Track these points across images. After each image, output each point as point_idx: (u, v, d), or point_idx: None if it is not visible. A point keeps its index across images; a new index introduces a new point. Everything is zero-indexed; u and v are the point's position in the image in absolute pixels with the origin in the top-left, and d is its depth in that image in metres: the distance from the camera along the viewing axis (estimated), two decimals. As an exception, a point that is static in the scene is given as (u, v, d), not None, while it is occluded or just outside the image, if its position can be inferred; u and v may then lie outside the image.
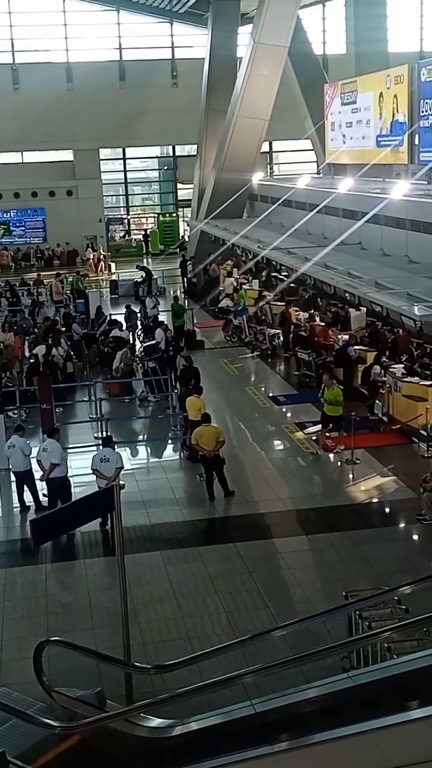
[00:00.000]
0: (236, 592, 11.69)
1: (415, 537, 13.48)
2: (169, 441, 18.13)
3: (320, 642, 7.43)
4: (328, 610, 8.66)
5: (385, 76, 28.07)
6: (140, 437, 18.71)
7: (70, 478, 14.41)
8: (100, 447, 14.45)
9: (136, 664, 8.71)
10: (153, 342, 22.78)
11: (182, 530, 14.06)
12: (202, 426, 15.30)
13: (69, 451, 15.94)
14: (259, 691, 7.38)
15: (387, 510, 14.61)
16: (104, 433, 16.74)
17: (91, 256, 42.22)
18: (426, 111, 24.92)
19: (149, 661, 9.04)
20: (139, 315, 27.84)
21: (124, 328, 24.84)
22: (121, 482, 9.82)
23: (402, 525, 14.04)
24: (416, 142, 25.90)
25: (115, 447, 15.80)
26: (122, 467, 14.02)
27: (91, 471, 13.92)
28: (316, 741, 6.04)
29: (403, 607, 8.99)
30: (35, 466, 14.52)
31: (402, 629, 7.83)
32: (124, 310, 27.35)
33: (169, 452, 17.70)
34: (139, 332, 26.27)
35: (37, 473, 14.43)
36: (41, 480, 14.38)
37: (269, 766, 6.08)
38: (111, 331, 23.94)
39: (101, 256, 42.24)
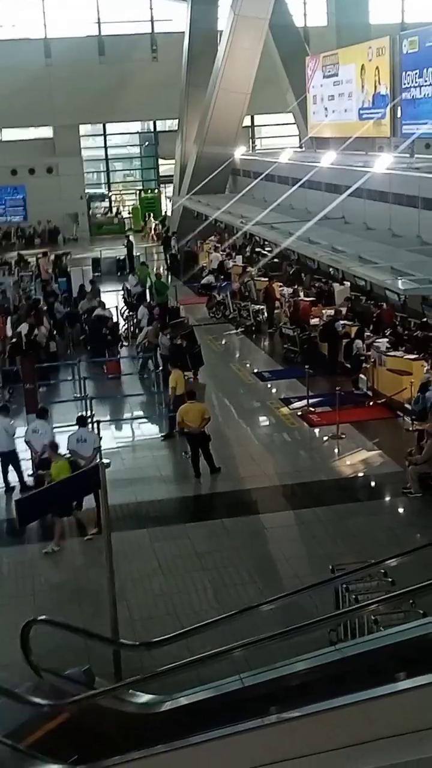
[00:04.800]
0: (223, 568, 11.71)
1: (401, 510, 13.53)
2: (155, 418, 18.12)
3: (307, 616, 7.44)
4: (314, 584, 8.68)
5: (366, 48, 27.87)
6: (125, 415, 18.65)
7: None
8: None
9: (124, 641, 8.72)
10: (181, 319, 22.53)
11: (168, 507, 14.06)
12: (188, 403, 15.26)
13: (54, 430, 15.87)
14: (247, 665, 7.40)
15: (373, 484, 14.66)
16: (89, 412, 16.68)
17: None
18: (408, 83, 24.79)
19: (137, 638, 9.05)
20: (122, 292, 27.73)
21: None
22: (106, 460, 9.77)
23: (388, 498, 14.09)
24: (398, 114, 25.78)
25: (100, 425, 15.81)
26: (100, 447, 13.96)
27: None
28: (304, 713, 6.06)
29: (390, 579, 9.03)
30: (20, 447, 14.45)
31: (388, 602, 7.86)
32: (109, 288, 27.28)
33: (155, 430, 17.66)
34: (123, 309, 26.16)
35: (26, 453, 14.35)
36: (34, 461, 14.31)
37: (259, 739, 6.10)
38: (94, 309, 23.80)
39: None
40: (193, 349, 19.94)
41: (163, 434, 16.90)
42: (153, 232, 42.80)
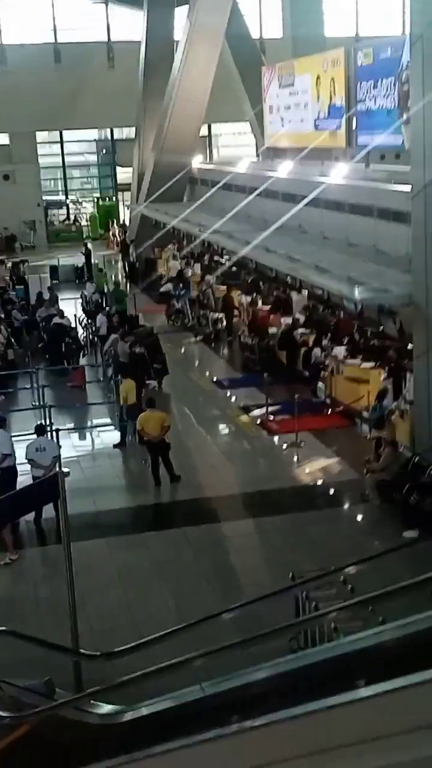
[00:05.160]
0: (183, 577, 11.73)
1: (359, 518, 13.67)
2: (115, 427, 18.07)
3: (268, 624, 7.48)
4: (274, 592, 8.72)
5: (322, 59, 28.12)
6: (85, 424, 18.58)
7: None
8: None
9: (84, 651, 8.68)
10: (144, 327, 22.47)
11: (128, 516, 14.05)
12: (147, 411, 15.28)
13: (13, 439, 15.75)
14: (208, 674, 7.42)
15: (331, 492, 14.77)
16: (48, 421, 16.61)
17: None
18: (363, 94, 25.06)
19: (98, 648, 9.02)
20: (81, 300, 27.64)
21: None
22: (65, 469, 9.74)
23: (346, 506, 14.22)
24: (354, 125, 26.04)
25: (60, 434, 15.74)
26: (59, 456, 13.90)
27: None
28: (264, 722, 6.09)
29: (349, 587, 9.11)
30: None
31: (348, 609, 7.93)
32: (67, 296, 27.18)
33: (114, 438, 17.61)
34: (82, 317, 26.08)
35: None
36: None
37: (220, 748, 6.11)
38: (52, 317, 23.69)
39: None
40: (156, 358, 19.98)
41: (114, 443, 16.89)
42: (115, 239, 42.64)
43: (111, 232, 43.92)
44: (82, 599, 10.17)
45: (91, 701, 7.41)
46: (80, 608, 9.59)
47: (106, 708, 7.45)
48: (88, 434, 18.10)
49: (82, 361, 22.58)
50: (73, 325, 24.15)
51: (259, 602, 8.44)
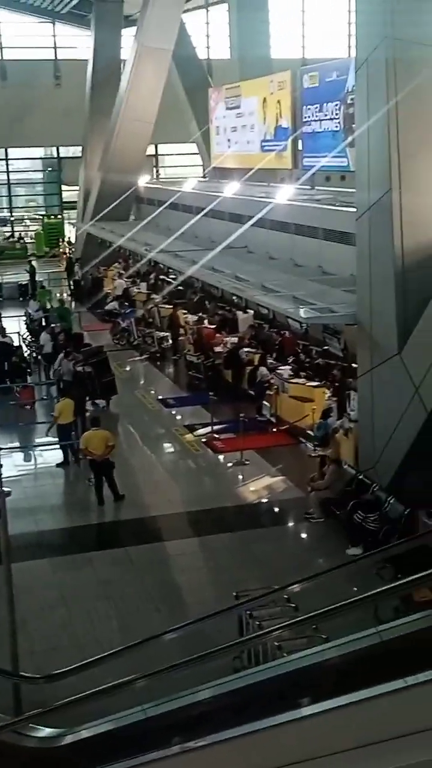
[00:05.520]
0: (127, 597, 11.61)
1: (304, 535, 13.70)
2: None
3: (211, 643, 7.43)
4: (218, 611, 8.67)
5: (268, 82, 28.45)
6: (28, 443, 18.34)
7: None
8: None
9: (25, 674, 8.52)
10: (92, 347, 22.25)
11: (71, 536, 13.87)
12: (91, 430, 15.16)
13: None
14: (151, 695, 7.33)
15: (276, 509, 14.79)
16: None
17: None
18: (308, 117, 25.38)
19: (39, 670, 8.86)
20: (24, 318, 27.38)
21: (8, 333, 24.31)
22: (6, 489, 9.58)
23: (291, 524, 14.24)
24: (299, 147, 26.35)
25: (1, 453, 15.52)
26: (0, 475, 13.65)
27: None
28: (207, 743, 6.03)
29: (293, 605, 9.11)
30: None
31: (292, 627, 7.91)
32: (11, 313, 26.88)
33: (58, 458, 17.40)
34: (26, 335, 25.81)
35: None
36: None
37: (162, 770, 6.04)
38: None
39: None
40: (104, 376, 19.84)
41: (57, 462, 16.72)
42: (66, 255, 42.25)
43: (62, 250, 43.59)
44: (23, 620, 9.99)
45: (30, 725, 7.26)
46: (21, 629, 9.42)
47: (45, 731, 7.31)
48: (30, 453, 17.85)
49: (28, 379, 22.30)
50: (16, 343, 23.88)
51: (203, 621, 8.39)
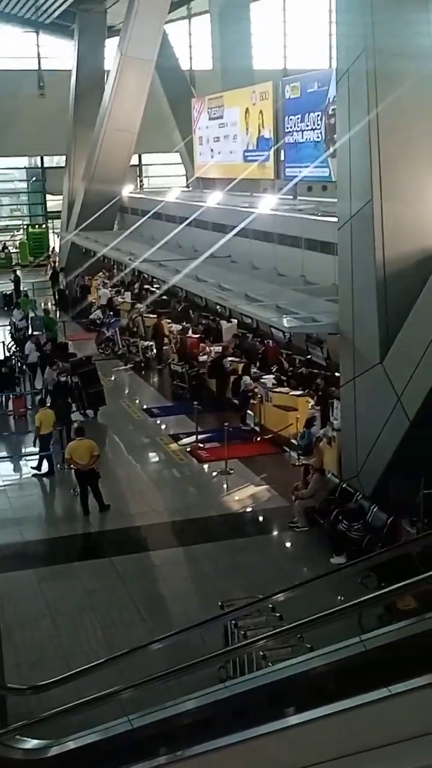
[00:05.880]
0: (112, 608, 11.62)
1: (288, 544, 13.75)
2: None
3: (197, 653, 7.45)
4: (203, 621, 8.69)
5: (250, 93, 28.59)
6: (12, 453, 18.32)
7: None
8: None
9: (11, 685, 8.52)
10: (80, 357, 22.15)
11: (56, 546, 13.87)
12: (76, 440, 15.16)
13: None
14: (137, 706, 7.35)
15: (260, 519, 14.84)
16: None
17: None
18: (290, 127, 25.54)
19: (24, 681, 8.86)
20: (9, 327, 27.36)
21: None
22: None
23: (275, 533, 14.29)
24: (282, 157, 26.49)
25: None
26: None
27: None
28: (193, 753, 6.06)
29: (278, 614, 9.15)
30: None
31: (276, 637, 7.95)
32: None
33: (43, 468, 17.39)
34: (10, 344, 25.78)
35: None
36: None
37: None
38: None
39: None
40: (91, 387, 19.82)
41: (34, 471, 16.69)
42: (52, 264, 42.10)
43: (52, 259, 43.43)
44: (8, 631, 10.00)
45: (17, 736, 7.26)
46: (7, 640, 9.42)
47: (31, 743, 7.31)
48: (15, 463, 17.83)
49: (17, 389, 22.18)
50: (0, 353, 23.84)
51: (188, 631, 8.41)
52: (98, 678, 7.80)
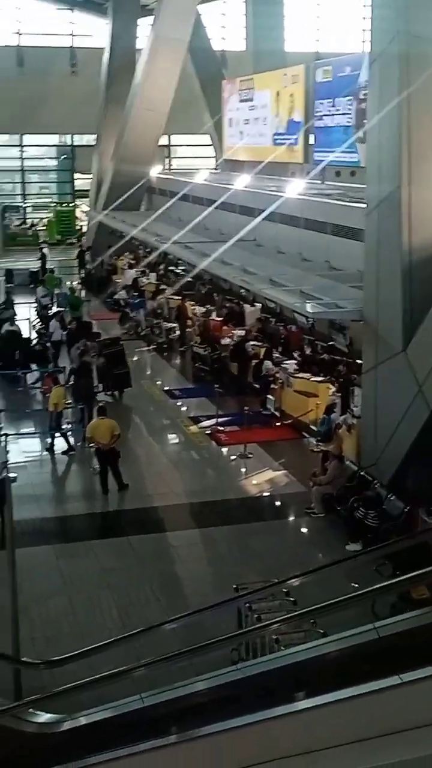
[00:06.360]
0: (128, 586, 11.70)
1: (304, 530, 13.76)
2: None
3: (210, 635, 7.50)
4: (218, 603, 8.75)
5: (282, 75, 28.44)
6: (33, 430, 18.43)
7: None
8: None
9: (26, 659, 8.61)
10: (108, 337, 22.11)
11: (75, 524, 13.97)
12: (97, 419, 15.24)
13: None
14: (149, 684, 7.41)
15: (277, 503, 14.86)
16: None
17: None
18: (321, 111, 25.37)
19: (39, 656, 8.96)
20: (35, 305, 27.50)
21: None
22: (12, 475, 9.67)
23: (291, 518, 14.31)
24: (311, 141, 26.34)
25: (8, 439, 15.62)
26: (7, 461, 13.80)
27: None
28: (204, 733, 6.11)
29: (292, 599, 9.17)
30: None
31: (290, 621, 7.98)
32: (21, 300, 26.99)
33: (63, 445, 17.50)
34: (36, 322, 25.88)
35: None
36: None
37: (158, 759, 6.12)
38: (4, 323, 23.41)
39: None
40: (117, 368, 19.81)
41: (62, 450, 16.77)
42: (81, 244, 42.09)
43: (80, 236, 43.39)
44: (25, 606, 10.09)
45: (30, 710, 7.35)
46: (23, 615, 9.51)
47: (44, 717, 7.40)
48: (37, 440, 17.94)
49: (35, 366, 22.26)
50: (26, 331, 23.94)
51: (202, 613, 8.47)
52: (112, 655, 7.88)
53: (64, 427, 17.12)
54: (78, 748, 6.81)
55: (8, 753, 7.23)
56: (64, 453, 16.71)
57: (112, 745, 6.32)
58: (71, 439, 16.97)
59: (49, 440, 16.96)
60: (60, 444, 16.92)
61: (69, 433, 17.05)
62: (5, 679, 8.52)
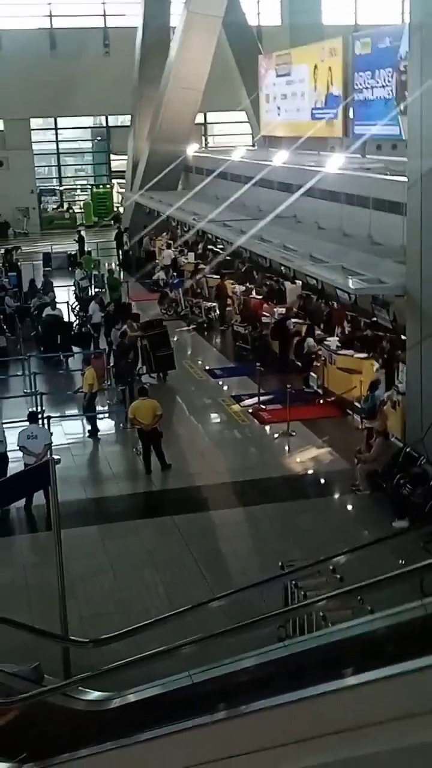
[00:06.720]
0: (173, 565, 11.73)
1: (350, 507, 13.68)
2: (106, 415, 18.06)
3: (257, 612, 7.50)
4: (264, 581, 8.75)
5: (319, 49, 28.02)
6: (76, 412, 18.52)
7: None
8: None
9: (74, 638, 8.69)
10: (151, 319, 21.95)
11: (119, 504, 14.04)
12: (139, 400, 15.27)
13: (4, 426, 15.73)
14: (196, 662, 7.43)
15: (322, 481, 14.79)
16: (39, 408, 16.58)
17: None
18: (360, 84, 24.98)
19: (87, 635, 9.03)
20: (73, 288, 27.59)
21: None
22: (56, 457, 9.72)
23: (337, 496, 14.23)
24: (350, 115, 25.97)
25: (51, 421, 15.72)
26: (51, 443, 13.88)
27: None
28: (252, 710, 6.10)
29: (338, 576, 9.12)
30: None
31: (337, 598, 7.94)
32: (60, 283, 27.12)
33: (106, 426, 17.59)
34: (74, 305, 25.99)
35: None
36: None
37: (207, 736, 6.13)
38: (45, 307, 23.50)
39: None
40: (159, 350, 19.78)
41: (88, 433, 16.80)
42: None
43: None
44: (71, 586, 10.17)
45: (79, 687, 7.41)
46: (70, 595, 9.59)
47: (93, 694, 7.46)
48: (79, 422, 18.03)
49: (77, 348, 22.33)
50: (66, 314, 24.04)
51: (248, 590, 8.46)
52: (159, 633, 7.91)
53: (99, 408, 17.16)
54: (127, 725, 6.85)
55: (58, 730, 7.31)
56: (89, 435, 16.75)
57: (161, 722, 6.34)
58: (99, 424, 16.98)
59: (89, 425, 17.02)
60: (107, 425, 16.97)
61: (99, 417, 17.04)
62: (54, 657, 8.60)
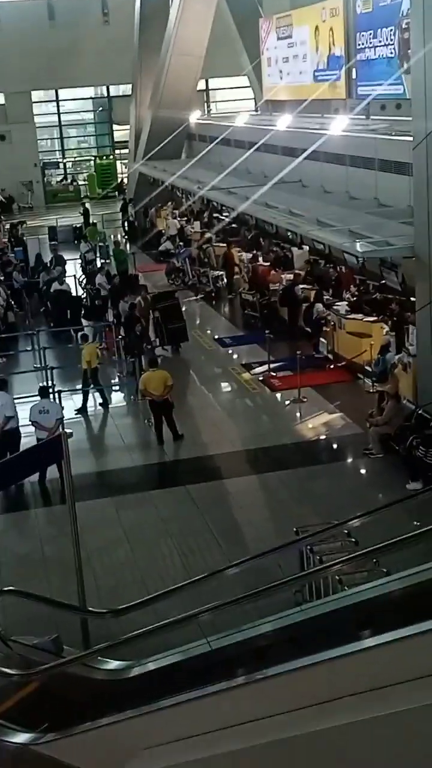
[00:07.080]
0: (188, 534, 11.77)
1: (363, 471, 13.69)
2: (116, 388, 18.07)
3: (273, 578, 7.51)
4: (279, 546, 8.76)
5: (320, 9, 27.59)
6: (86, 385, 18.50)
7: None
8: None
9: (91, 609, 8.74)
10: (162, 291, 21.80)
11: (132, 475, 14.08)
12: (150, 371, 15.26)
13: (15, 401, 15.76)
14: (214, 628, 7.47)
15: (334, 446, 14.78)
16: (50, 382, 16.59)
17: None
18: (362, 44, 24.62)
19: (104, 605, 9.09)
20: (80, 261, 27.49)
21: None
22: (68, 430, 9.73)
23: (350, 460, 14.24)
24: (353, 76, 25.63)
25: (62, 395, 15.73)
26: (62, 417, 13.90)
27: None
28: (271, 674, 6.14)
29: (353, 539, 9.14)
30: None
31: (352, 561, 7.96)
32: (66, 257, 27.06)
33: (117, 398, 17.60)
34: (81, 278, 25.91)
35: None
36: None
37: (227, 701, 6.18)
38: (53, 282, 23.42)
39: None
40: (171, 323, 19.69)
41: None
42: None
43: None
44: (88, 558, 10.23)
45: (99, 657, 7.47)
46: (86, 566, 9.64)
47: (113, 664, 7.52)
48: (90, 395, 18.02)
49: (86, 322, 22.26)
50: (73, 288, 23.96)
51: (264, 556, 8.48)
52: (176, 602, 7.95)
53: (101, 383, 17.15)
54: (147, 692, 6.91)
55: (79, 700, 7.38)
56: (101, 405, 16.75)
57: (181, 689, 6.39)
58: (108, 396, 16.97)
59: (100, 397, 16.97)
60: (116, 398, 16.95)
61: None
62: (73, 629, 8.67)
